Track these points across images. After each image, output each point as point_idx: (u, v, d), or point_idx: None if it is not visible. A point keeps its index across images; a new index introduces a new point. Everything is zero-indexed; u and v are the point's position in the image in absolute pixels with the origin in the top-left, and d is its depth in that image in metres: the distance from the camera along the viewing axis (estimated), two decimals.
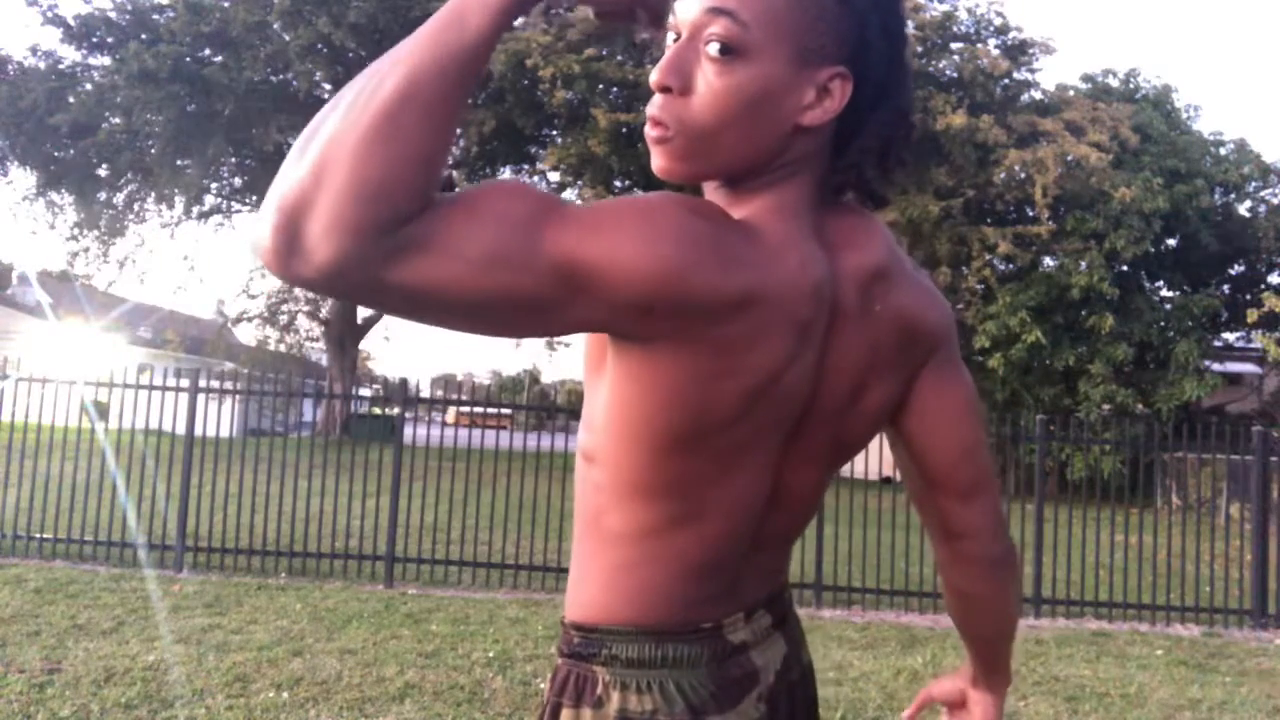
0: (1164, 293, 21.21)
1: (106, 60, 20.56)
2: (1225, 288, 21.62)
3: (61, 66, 20.74)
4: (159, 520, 8.10)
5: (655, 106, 0.88)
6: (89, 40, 20.62)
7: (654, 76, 0.88)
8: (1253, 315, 15.75)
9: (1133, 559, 7.54)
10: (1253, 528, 7.57)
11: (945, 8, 19.13)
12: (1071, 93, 20.65)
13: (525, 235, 0.74)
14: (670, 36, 0.92)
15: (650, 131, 0.89)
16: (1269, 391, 22.26)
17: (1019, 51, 19.44)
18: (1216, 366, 20.42)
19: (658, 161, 0.90)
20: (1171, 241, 20.58)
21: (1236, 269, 22.20)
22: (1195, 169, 19.84)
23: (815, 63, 0.87)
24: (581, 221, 0.76)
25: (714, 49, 0.85)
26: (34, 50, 20.77)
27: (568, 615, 0.99)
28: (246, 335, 28.66)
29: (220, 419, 8.43)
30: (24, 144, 20.51)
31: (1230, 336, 22.18)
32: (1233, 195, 21.38)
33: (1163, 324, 19.12)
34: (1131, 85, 22.82)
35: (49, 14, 20.18)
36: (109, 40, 20.43)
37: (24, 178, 22.16)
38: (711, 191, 0.94)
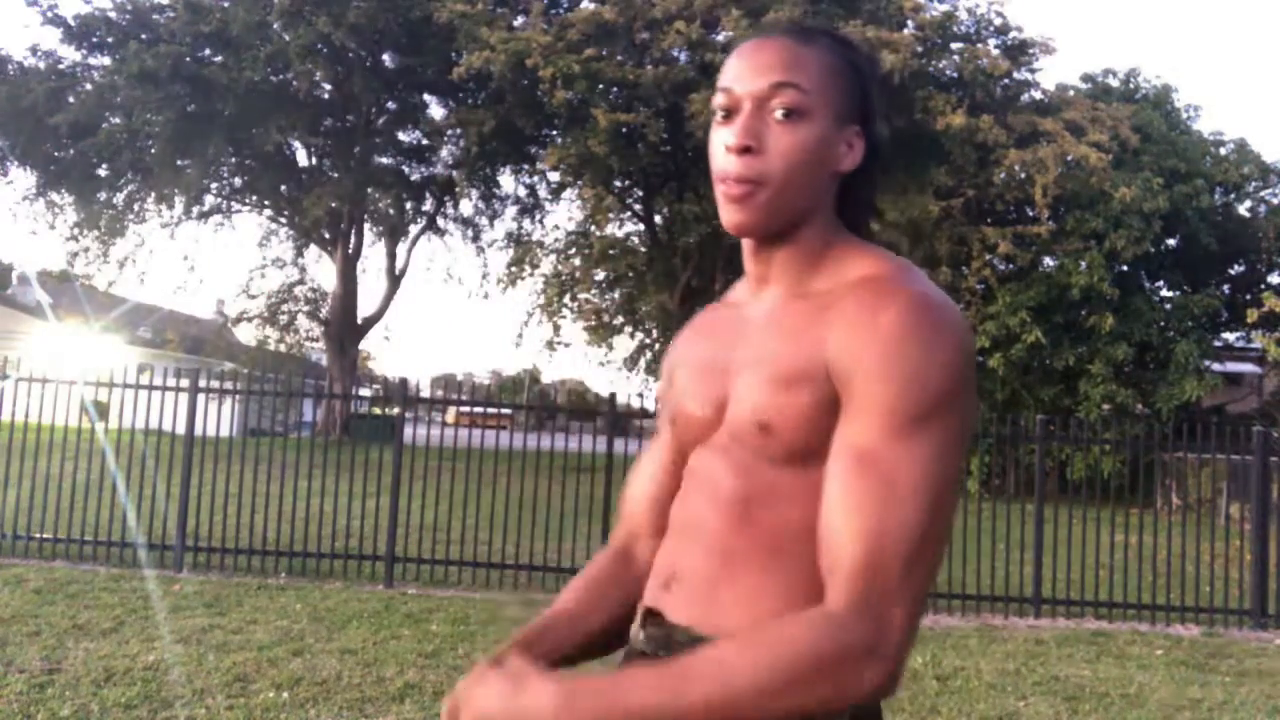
0: (1164, 293, 21.21)
1: (106, 60, 20.56)
2: (1225, 288, 21.62)
3: (61, 66, 20.74)
4: (159, 520, 8.10)
5: (738, 165, 1.04)
6: (89, 40, 20.62)
7: (734, 140, 1.04)
8: (1253, 315, 15.74)
9: (1133, 559, 7.54)
10: (1253, 528, 7.58)
11: (945, 8, 19.12)
12: (1071, 93, 20.65)
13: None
14: (719, 114, 1.09)
15: (734, 190, 1.04)
16: (1269, 391, 22.26)
17: (1019, 51, 19.43)
18: (1216, 366, 20.41)
19: (738, 217, 1.05)
20: (1171, 241, 20.58)
21: (1236, 269, 22.19)
22: (1195, 169, 19.85)
23: (845, 122, 1.08)
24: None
25: (781, 114, 1.04)
26: (34, 50, 20.78)
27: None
28: (246, 335, 28.61)
29: (220, 419, 8.43)
30: (24, 144, 20.49)
31: (1230, 336, 22.18)
32: (1233, 195, 21.38)
33: (1163, 324, 19.12)
34: (1131, 85, 22.82)
35: (49, 14, 20.18)
36: (109, 40, 20.43)
37: (24, 178, 22.17)
38: (755, 248, 1.14)
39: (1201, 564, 7.80)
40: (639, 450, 1.40)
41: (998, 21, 19.59)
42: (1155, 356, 19.22)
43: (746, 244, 1.11)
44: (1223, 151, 21.38)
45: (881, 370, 0.94)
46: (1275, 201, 21.55)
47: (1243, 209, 21.65)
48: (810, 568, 0.98)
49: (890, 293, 0.98)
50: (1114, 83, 22.89)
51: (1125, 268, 19.28)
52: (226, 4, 19.21)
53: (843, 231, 1.12)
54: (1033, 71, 19.99)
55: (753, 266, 1.13)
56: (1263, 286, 20.33)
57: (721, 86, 1.08)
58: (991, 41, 19.51)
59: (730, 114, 1.06)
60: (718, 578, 1.07)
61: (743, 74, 1.06)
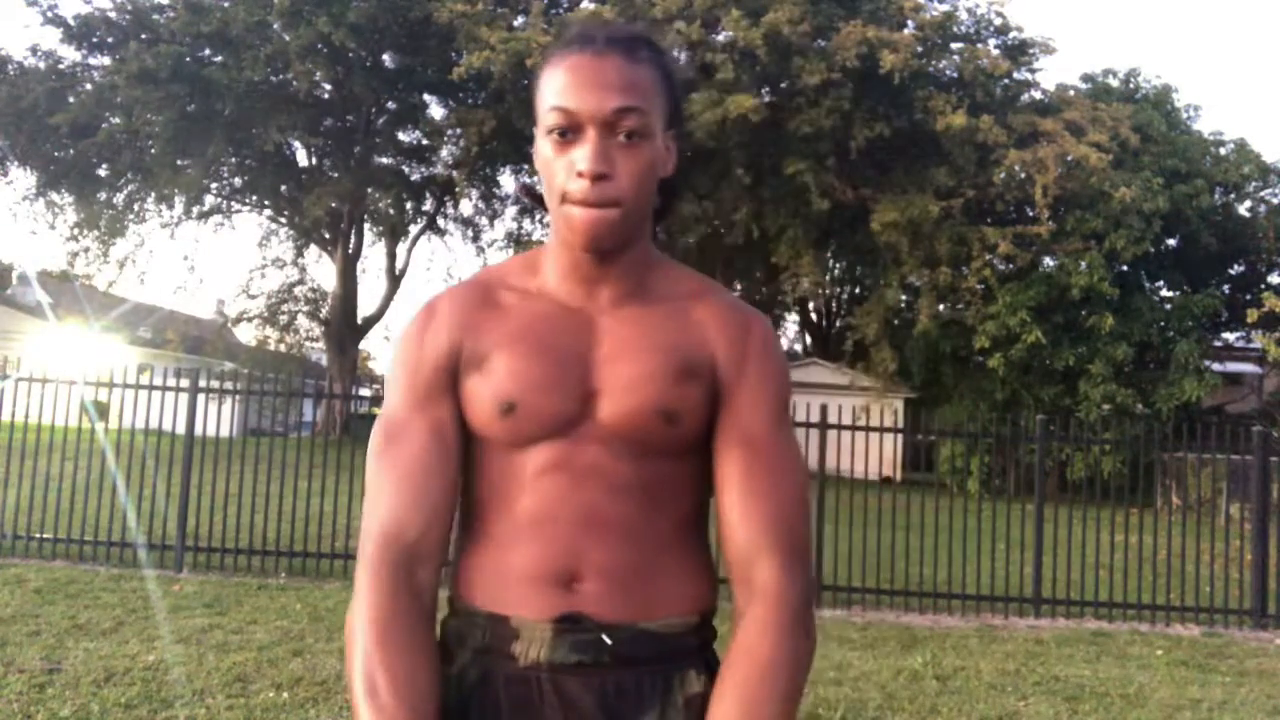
0: (1164, 293, 21.22)
1: (106, 60, 20.55)
2: (1225, 288, 21.62)
3: (61, 66, 20.73)
4: (159, 520, 8.10)
5: (596, 191, 1.06)
6: (89, 40, 20.61)
7: (589, 166, 1.06)
8: (1253, 315, 15.75)
9: (1133, 559, 7.54)
10: (1253, 528, 7.58)
11: (945, 8, 19.13)
12: (1071, 93, 20.65)
13: None
14: (556, 131, 1.09)
15: (591, 215, 1.07)
16: (1269, 391, 22.26)
17: (1019, 51, 19.44)
18: (1216, 366, 20.42)
19: (599, 239, 1.08)
20: (1171, 241, 20.59)
21: (1236, 269, 22.20)
22: (1195, 169, 19.85)
23: (667, 128, 1.14)
24: None
25: (625, 137, 1.08)
26: (34, 50, 20.77)
27: (694, 609, 1.16)
28: (246, 335, 28.64)
29: (220, 419, 8.43)
30: (24, 144, 20.49)
31: (1230, 336, 22.19)
32: (1233, 195, 21.38)
33: (1163, 324, 19.13)
34: (1131, 85, 22.83)
35: (49, 14, 20.17)
36: (109, 40, 20.42)
37: (24, 178, 22.16)
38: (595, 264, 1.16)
39: (1201, 564, 7.80)
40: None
41: (998, 21, 19.61)
42: (1155, 356, 19.23)
43: (583, 255, 1.12)
44: (1223, 151, 21.38)
45: (760, 373, 1.14)
46: (1275, 201, 21.55)
47: (1243, 209, 21.66)
48: (705, 543, 1.19)
49: (752, 314, 1.19)
50: (1114, 83, 22.90)
51: (1125, 268, 19.28)
52: (226, 4, 19.20)
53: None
54: (1033, 71, 20.03)
55: (588, 270, 1.13)
56: (1263, 286, 20.34)
57: (556, 106, 1.07)
58: (991, 41, 19.52)
59: (569, 133, 1.07)
60: (646, 567, 1.10)
61: (582, 94, 1.06)
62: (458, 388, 1.13)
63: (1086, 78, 23.27)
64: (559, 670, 1.08)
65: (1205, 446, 8.16)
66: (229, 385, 9.70)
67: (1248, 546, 7.75)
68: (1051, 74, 33.04)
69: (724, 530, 1.10)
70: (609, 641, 1.08)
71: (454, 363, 1.13)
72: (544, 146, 1.10)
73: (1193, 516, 9.61)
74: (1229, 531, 8.81)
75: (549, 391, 1.09)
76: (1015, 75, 19.21)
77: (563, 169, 1.07)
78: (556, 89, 1.08)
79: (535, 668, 1.08)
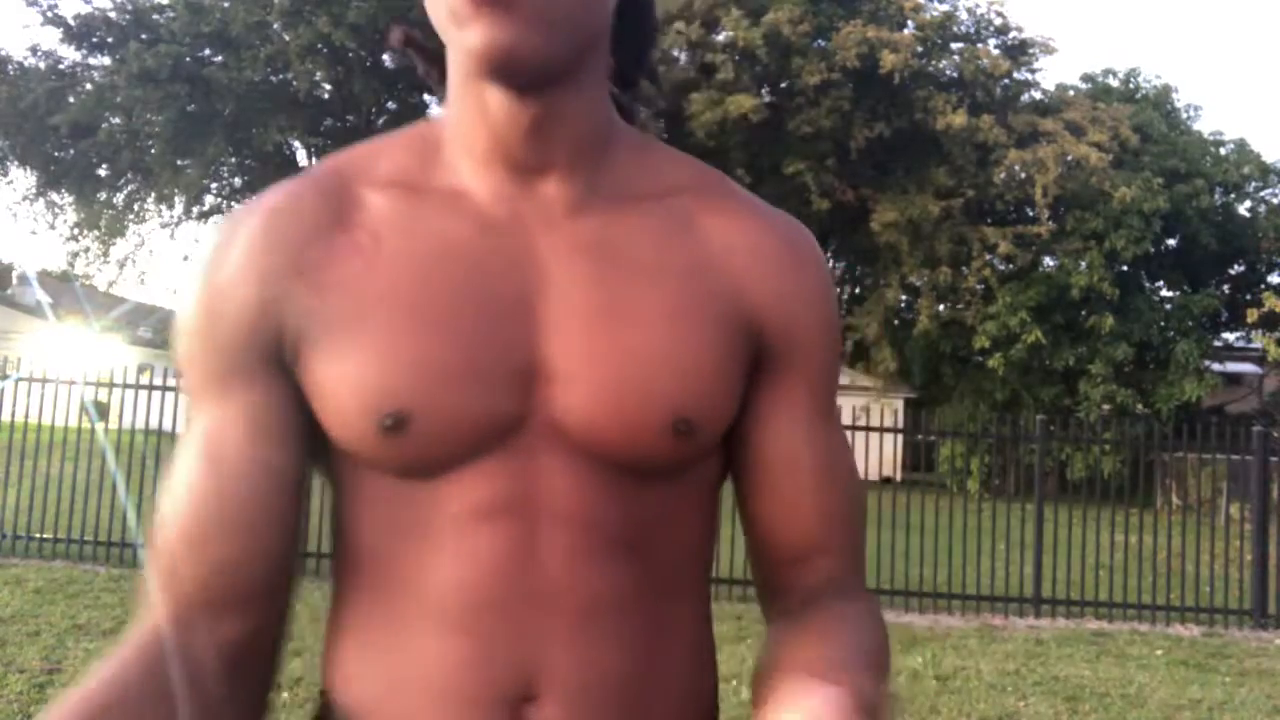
0: (1164, 293, 21.23)
1: (106, 60, 20.57)
2: (1225, 288, 21.63)
3: (61, 66, 20.74)
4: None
5: None
6: (89, 40, 20.62)
7: None
8: (1253, 315, 15.76)
9: (1133, 559, 7.54)
10: (1253, 528, 7.57)
11: (945, 8, 19.15)
12: (1071, 93, 20.67)
13: None
14: None
15: (501, 13, 0.61)
16: (1269, 391, 22.27)
17: (1019, 51, 19.46)
18: (1216, 366, 20.43)
19: (507, 30, 0.62)
20: (1171, 241, 20.60)
21: (1236, 269, 22.20)
22: (1195, 169, 19.86)
23: None
24: None
25: None
26: (34, 50, 20.78)
27: None
28: None
29: None
30: (24, 144, 20.51)
31: (1230, 336, 22.20)
32: (1232, 195, 21.39)
33: (1163, 324, 19.14)
34: (1131, 85, 22.83)
35: (49, 14, 20.18)
36: (109, 40, 20.43)
37: (24, 178, 22.17)
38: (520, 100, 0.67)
39: (1201, 564, 7.80)
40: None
41: (998, 22, 19.64)
42: (1155, 357, 19.24)
43: (501, 101, 0.66)
44: (1223, 152, 21.39)
45: (822, 333, 0.75)
46: (1275, 201, 21.55)
47: (1243, 209, 21.66)
48: (709, 611, 0.79)
49: (796, 230, 0.76)
50: (1114, 83, 22.91)
51: (1125, 268, 19.29)
52: (226, 4, 19.22)
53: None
54: (1033, 71, 20.06)
55: (519, 140, 0.68)
56: (1263, 286, 20.34)
57: None
58: (991, 41, 19.54)
59: None
60: (639, 673, 0.70)
61: None
62: (286, 369, 0.68)
63: (1086, 78, 23.27)
64: None
65: (1205, 447, 8.16)
66: None
67: (1248, 546, 7.74)
68: (1051, 74, 33.11)
69: (762, 526, 0.75)
70: None
71: (270, 337, 0.67)
72: None
73: (1193, 516, 9.61)
74: (1229, 531, 8.81)
75: (466, 383, 0.65)
76: (1015, 75, 19.23)
77: None
78: None
79: None
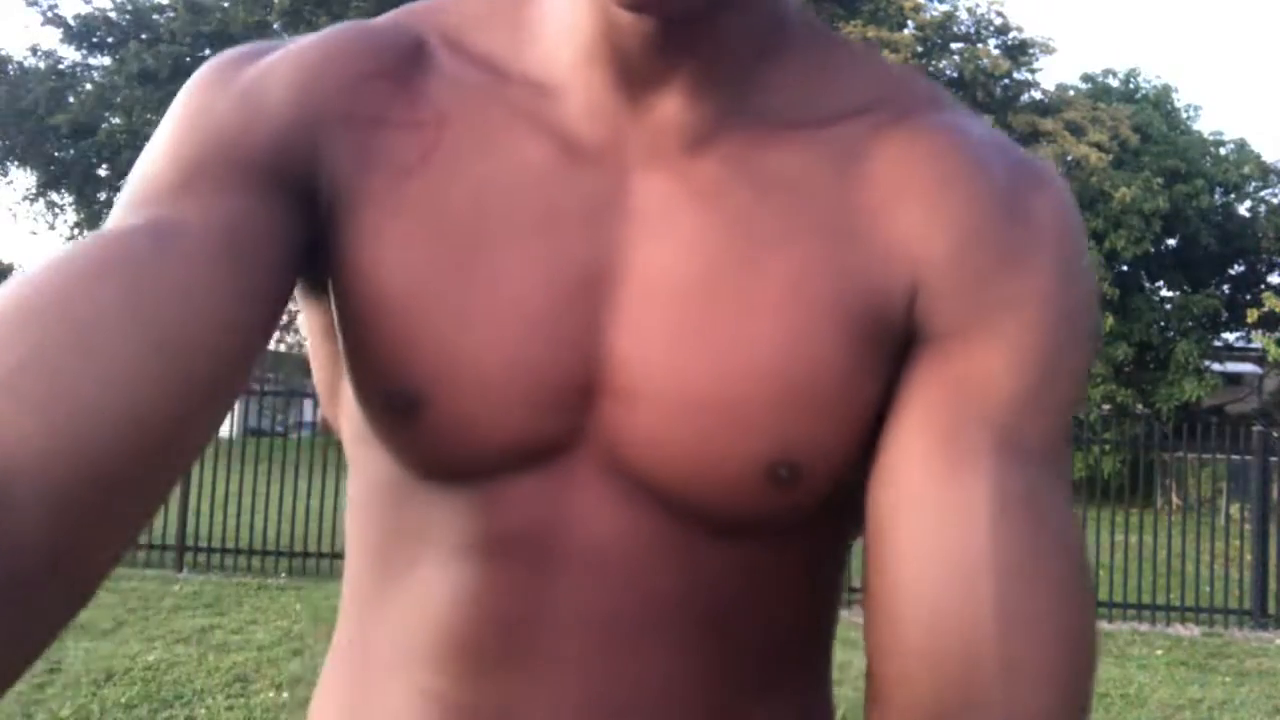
0: (1164, 293, 21.24)
1: (106, 60, 20.58)
2: (1225, 288, 21.63)
3: (61, 66, 20.76)
4: (159, 520, 8.10)
5: None
6: (89, 40, 20.63)
7: None
8: (1253, 315, 15.77)
9: (1133, 559, 7.54)
10: (1253, 528, 7.58)
11: (945, 8, 19.14)
12: (1071, 93, 20.67)
13: None
14: None
15: None
16: (1269, 391, 22.27)
17: (1019, 51, 19.46)
18: (1216, 366, 20.44)
19: None
20: (1171, 241, 20.60)
21: (1236, 269, 22.20)
22: (1195, 169, 19.85)
23: None
24: None
25: None
26: (34, 50, 20.80)
27: None
28: None
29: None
30: (24, 144, 20.52)
31: (1230, 336, 22.21)
32: (1232, 195, 21.39)
33: (1163, 324, 19.15)
34: (1131, 85, 22.83)
35: (49, 14, 20.19)
36: (109, 40, 20.44)
37: (24, 178, 22.18)
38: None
39: (1202, 564, 7.80)
40: None
41: (998, 22, 19.62)
42: (1155, 357, 19.24)
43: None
44: (1223, 151, 21.39)
45: (1022, 336, 0.46)
46: (1275, 201, 21.56)
47: (1243, 209, 21.67)
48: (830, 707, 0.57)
49: (1027, 182, 0.49)
50: (1114, 83, 22.90)
51: (1125, 268, 19.29)
52: (226, 4, 19.23)
53: None
54: (1033, 71, 20.02)
55: (639, 48, 0.47)
56: (1263, 286, 20.34)
57: None
58: (991, 41, 19.53)
59: None
60: None
61: None
62: (309, 220, 0.49)
63: (1086, 78, 23.26)
64: None
65: (1205, 447, 8.17)
66: None
67: (1248, 547, 7.75)
68: (1052, 74, 33.10)
69: (870, 641, 0.50)
70: None
71: (300, 167, 0.49)
72: None
73: (1193, 517, 9.62)
74: (1229, 531, 8.81)
75: (502, 381, 0.48)
76: (1015, 75, 19.22)
77: None
78: None
79: None
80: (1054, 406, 0.46)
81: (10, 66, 20.47)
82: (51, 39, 28.90)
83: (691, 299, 0.47)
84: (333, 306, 0.51)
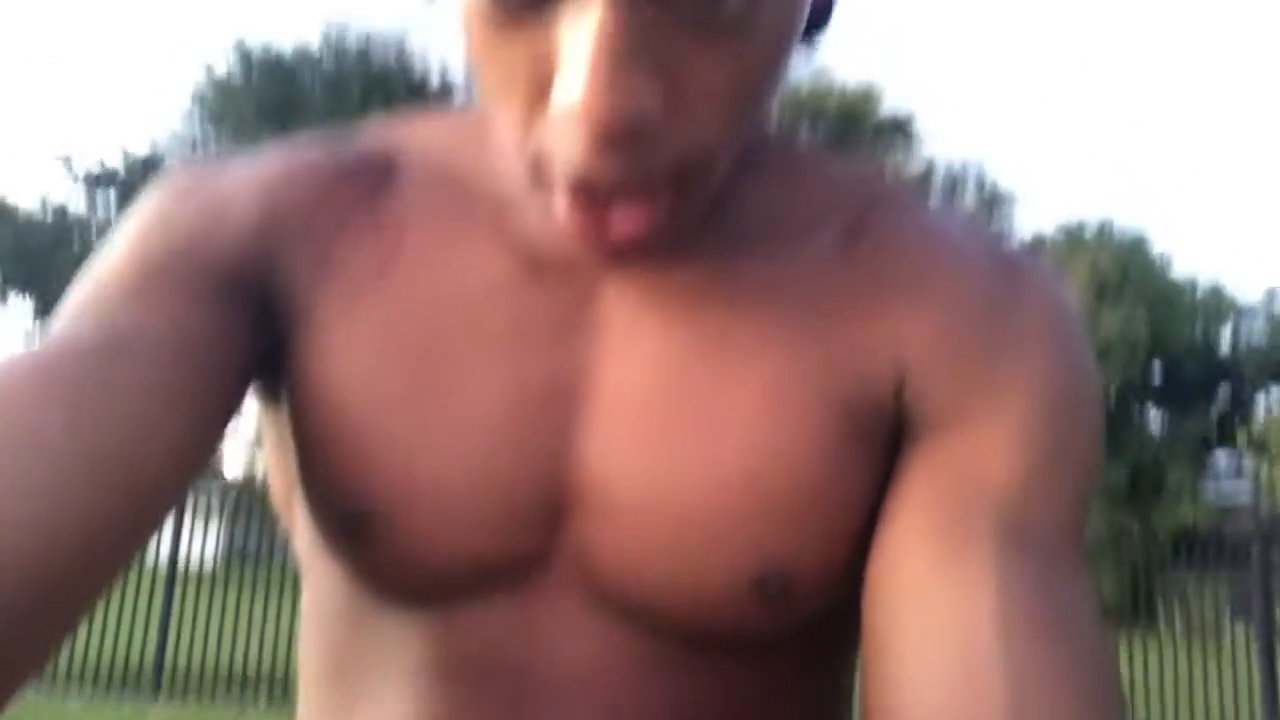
0: (1154, 418, 21.46)
1: (114, 211, 21.24)
2: (1214, 411, 21.86)
3: (68, 218, 21.40)
4: (137, 644, 7.85)
5: (621, 166, 0.40)
6: (99, 192, 21.36)
7: (592, 99, 0.37)
8: (1242, 438, 15.92)
9: (1139, 686, 7.36)
10: (1258, 649, 7.40)
11: (926, 158, 20.00)
12: (1048, 244, 21.40)
13: None
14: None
15: (623, 211, 0.41)
16: (1264, 511, 22.17)
17: (994, 204, 20.23)
18: (1212, 485, 20.54)
19: (643, 245, 0.43)
20: (1158, 368, 20.98)
21: (1223, 392, 22.49)
22: (1173, 310, 20.43)
23: None
24: None
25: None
26: (43, 205, 21.46)
27: None
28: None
29: (205, 542, 8.30)
30: (25, 278, 20.92)
31: (1223, 458, 22.36)
32: (1211, 335, 21.91)
33: (1154, 451, 19.35)
34: (1105, 235, 23.64)
35: (71, 170, 20.92)
36: (115, 194, 21.15)
37: (23, 304, 22.53)
38: None
39: (1210, 687, 7.59)
40: None
41: (974, 174, 20.49)
42: (1149, 483, 19.36)
43: None
44: (1199, 295, 22.00)
45: (1046, 407, 0.45)
46: (1253, 341, 22.02)
47: (1223, 344, 22.13)
48: None
49: (1013, 276, 0.48)
50: (1088, 235, 23.73)
51: (1113, 398, 19.55)
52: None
53: None
54: (1009, 221, 20.75)
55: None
56: (1248, 413, 20.57)
57: None
58: (969, 195, 20.32)
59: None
60: None
61: None
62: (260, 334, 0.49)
63: (1062, 229, 24.10)
64: None
65: (1205, 566, 8.06)
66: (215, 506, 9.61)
67: (1255, 668, 7.55)
68: (1028, 223, 34.20)
69: None
70: None
71: (254, 282, 0.48)
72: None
73: (1198, 640, 9.44)
74: (1235, 655, 8.60)
75: (464, 499, 0.46)
76: (993, 227, 19.92)
77: (527, 73, 0.40)
78: None
79: None
80: (1062, 493, 0.44)
81: (19, 215, 21.12)
82: (60, 192, 29.90)
83: (664, 411, 0.45)
84: (288, 418, 0.49)
